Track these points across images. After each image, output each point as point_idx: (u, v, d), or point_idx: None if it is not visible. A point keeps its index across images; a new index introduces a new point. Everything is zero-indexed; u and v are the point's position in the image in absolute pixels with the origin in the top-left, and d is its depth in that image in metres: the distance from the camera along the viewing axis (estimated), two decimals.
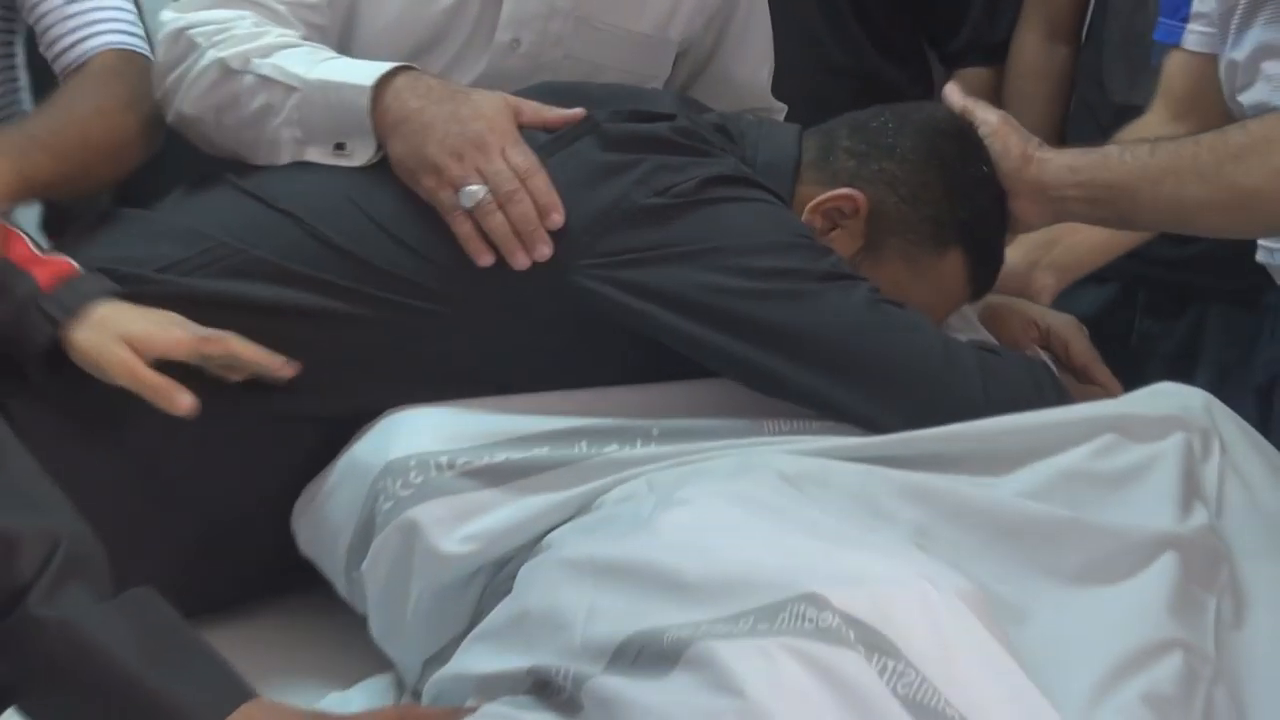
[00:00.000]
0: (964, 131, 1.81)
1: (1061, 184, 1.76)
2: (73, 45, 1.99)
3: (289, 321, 1.66)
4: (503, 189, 1.66)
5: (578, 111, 1.74)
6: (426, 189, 1.68)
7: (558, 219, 1.66)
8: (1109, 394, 1.72)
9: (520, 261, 1.65)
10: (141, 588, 1.36)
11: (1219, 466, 1.56)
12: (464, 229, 1.67)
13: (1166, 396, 1.63)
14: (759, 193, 1.72)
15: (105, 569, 1.36)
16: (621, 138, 1.72)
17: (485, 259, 1.66)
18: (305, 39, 1.86)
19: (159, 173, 1.89)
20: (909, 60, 2.59)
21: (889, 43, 2.56)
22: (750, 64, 2.17)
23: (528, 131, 1.73)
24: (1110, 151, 1.77)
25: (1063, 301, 2.07)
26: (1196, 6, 1.95)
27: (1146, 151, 1.72)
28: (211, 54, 1.78)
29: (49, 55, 2.03)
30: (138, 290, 1.64)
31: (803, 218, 1.75)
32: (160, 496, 1.66)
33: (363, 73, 1.73)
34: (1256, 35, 1.78)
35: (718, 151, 1.74)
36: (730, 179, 1.71)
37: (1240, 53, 1.81)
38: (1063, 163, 1.76)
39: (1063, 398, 1.68)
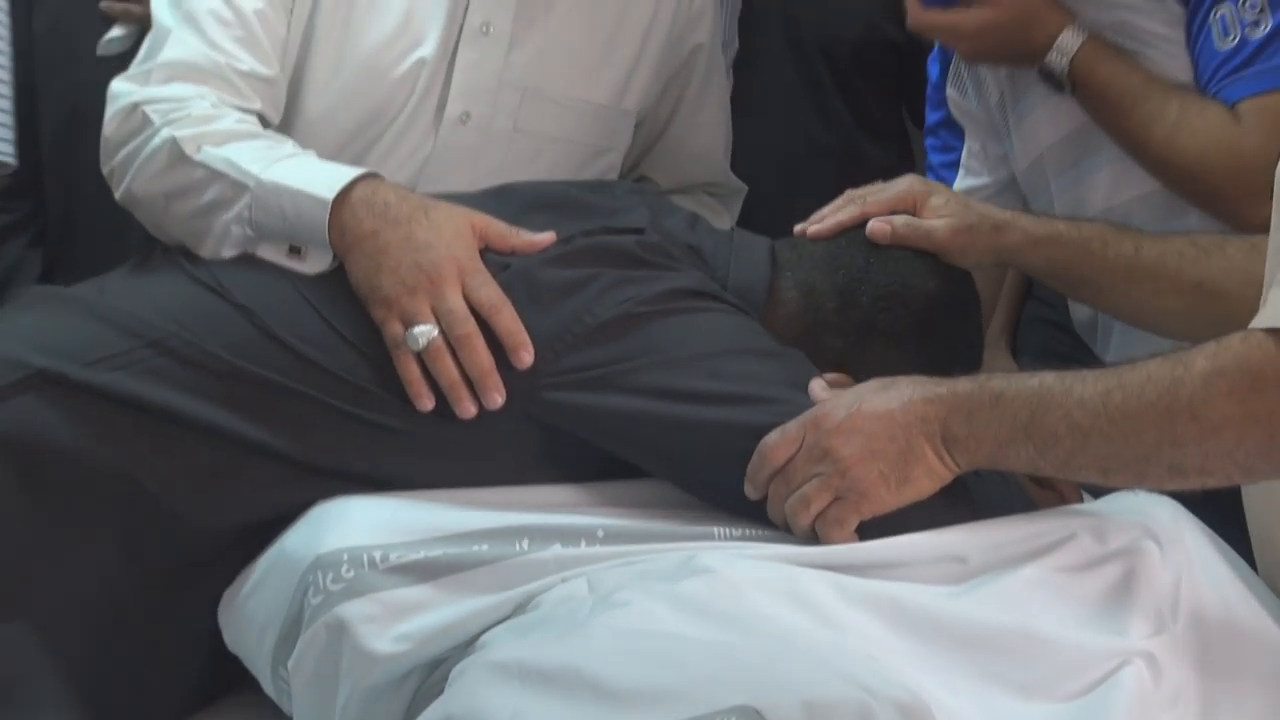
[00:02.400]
0: (956, 300, 1.77)
1: (1032, 267, 1.78)
2: None
3: (218, 445, 1.59)
4: (455, 331, 1.60)
5: (547, 237, 1.68)
6: (376, 318, 1.63)
7: (527, 358, 1.60)
8: (1066, 500, 1.67)
9: (467, 410, 1.60)
10: None
11: (1182, 577, 1.51)
12: (409, 371, 1.61)
13: (1131, 502, 1.58)
14: (725, 306, 1.68)
15: None
16: (583, 251, 1.67)
17: (425, 404, 1.60)
18: (262, 113, 1.82)
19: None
20: (891, 137, 2.56)
21: (872, 119, 2.53)
22: (706, 137, 2.15)
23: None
24: (1092, 244, 1.74)
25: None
26: (956, 188, 2.09)
27: (1131, 249, 1.71)
28: (166, 132, 1.74)
29: None
30: (52, 394, 1.58)
31: None
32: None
33: (321, 181, 1.68)
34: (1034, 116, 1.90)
35: (684, 267, 1.70)
36: (695, 292, 1.67)
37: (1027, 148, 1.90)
38: (1039, 255, 1.75)
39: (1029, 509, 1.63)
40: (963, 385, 1.50)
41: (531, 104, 1.94)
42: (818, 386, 1.61)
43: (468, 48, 1.91)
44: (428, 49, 1.90)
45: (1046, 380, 1.46)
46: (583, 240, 1.68)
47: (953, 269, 1.78)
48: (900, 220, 1.77)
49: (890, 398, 1.52)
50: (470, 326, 1.60)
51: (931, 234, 1.76)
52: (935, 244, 1.76)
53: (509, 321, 1.61)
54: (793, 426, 1.54)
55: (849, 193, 1.81)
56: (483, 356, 1.60)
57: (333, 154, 1.82)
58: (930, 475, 1.50)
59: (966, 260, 1.78)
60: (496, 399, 1.60)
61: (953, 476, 1.51)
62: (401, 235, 1.64)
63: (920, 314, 1.75)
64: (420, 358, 1.60)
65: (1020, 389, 1.46)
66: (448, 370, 1.60)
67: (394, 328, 1.61)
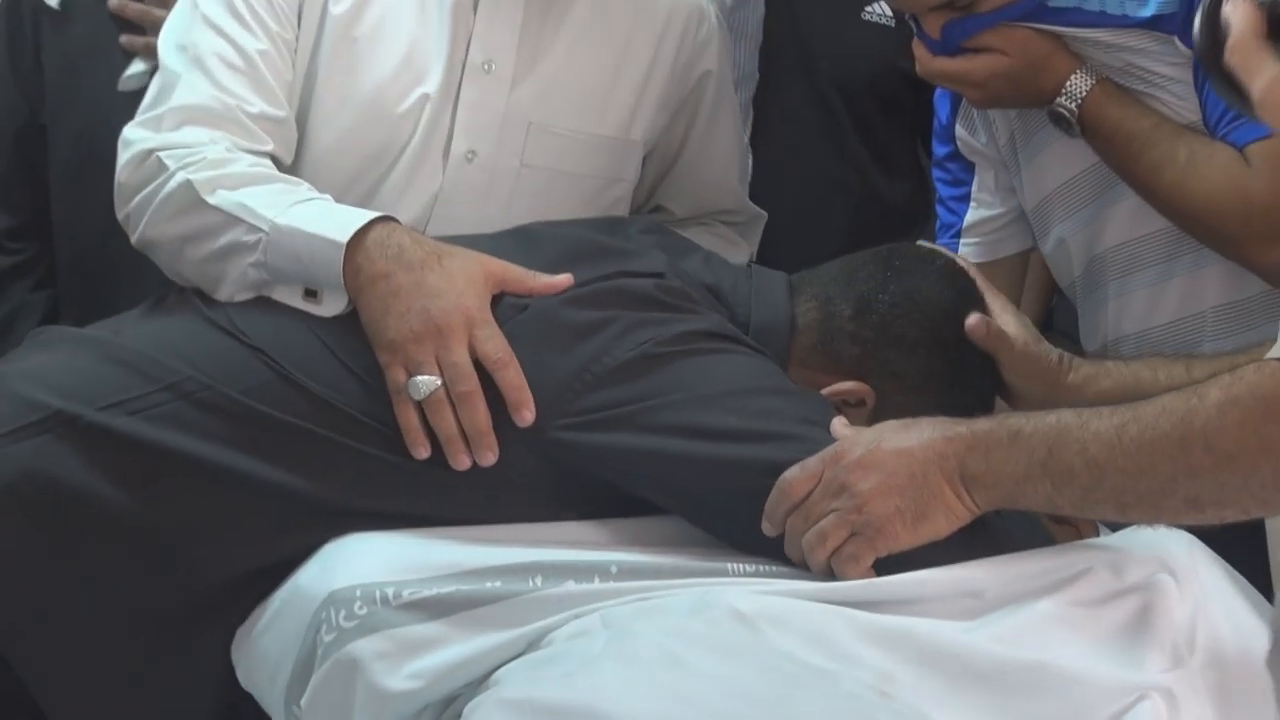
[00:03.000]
0: (964, 313, 1.77)
1: (1083, 405, 1.71)
2: None
3: (234, 489, 1.59)
4: (457, 387, 1.60)
5: (565, 279, 1.67)
6: (381, 361, 1.63)
7: (529, 416, 1.59)
8: (1083, 536, 1.66)
9: (461, 463, 1.59)
10: None
11: (1198, 612, 1.50)
12: (408, 419, 1.60)
13: (1147, 537, 1.57)
14: (744, 348, 1.68)
15: None
16: (602, 293, 1.66)
17: (421, 453, 1.60)
18: (274, 154, 1.82)
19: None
20: (906, 172, 2.55)
21: (887, 154, 2.53)
22: (719, 164, 2.14)
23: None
24: (1142, 374, 1.74)
25: None
26: (968, 219, 2.10)
27: (1183, 371, 1.70)
28: (181, 175, 1.74)
29: None
30: (68, 435, 1.58)
31: None
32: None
33: (336, 225, 1.68)
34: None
35: (703, 310, 1.69)
36: (714, 334, 1.67)
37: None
38: (1089, 391, 1.75)
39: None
40: (981, 424, 1.50)
41: (537, 139, 1.93)
42: (839, 423, 1.60)
43: (470, 86, 1.91)
44: (430, 86, 1.89)
45: (1064, 416, 1.45)
46: (601, 284, 1.67)
47: (966, 281, 1.80)
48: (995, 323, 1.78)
49: (910, 436, 1.51)
50: (472, 384, 1.60)
51: (1000, 349, 1.77)
52: (1003, 358, 1.77)
53: (514, 378, 1.60)
54: (812, 462, 1.53)
55: None
56: (481, 416, 1.59)
57: (339, 191, 1.82)
58: (948, 514, 1.50)
59: (1021, 385, 1.78)
60: (490, 458, 1.59)
61: (970, 517, 1.50)
62: (414, 280, 1.63)
63: (936, 322, 1.75)
64: (420, 406, 1.60)
65: (1038, 425, 1.46)
66: (447, 423, 1.59)
67: (397, 374, 1.61)
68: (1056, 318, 2.39)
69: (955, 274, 1.80)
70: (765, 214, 2.22)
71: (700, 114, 2.09)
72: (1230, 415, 1.35)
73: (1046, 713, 1.41)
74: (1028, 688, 1.42)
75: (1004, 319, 1.79)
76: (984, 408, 1.77)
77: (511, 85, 1.93)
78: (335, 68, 1.89)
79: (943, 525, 1.50)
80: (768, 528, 1.55)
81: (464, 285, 1.64)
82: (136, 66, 2.23)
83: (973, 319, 1.75)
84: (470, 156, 1.91)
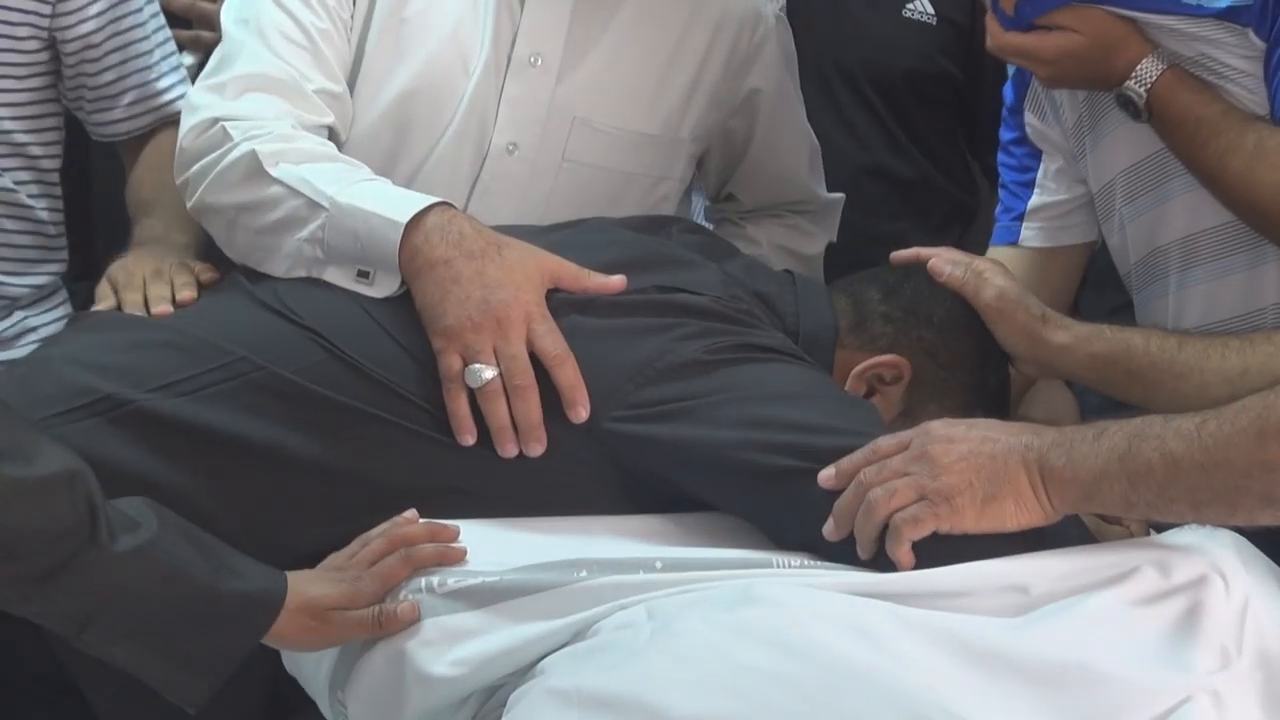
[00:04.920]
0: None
1: (1075, 366, 1.79)
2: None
3: (286, 469, 1.60)
4: (513, 380, 1.60)
5: (618, 280, 1.68)
6: (435, 347, 1.63)
7: (582, 413, 1.60)
8: (1132, 535, 1.65)
9: (508, 451, 1.60)
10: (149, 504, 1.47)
11: (1247, 612, 1.49)
12: (459, 405, 1.60)
13: (1195, 536, 1.56)
14: (803, 363, 1.69)
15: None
16: (666, 304, 1.67)
17: (467, 439, 1.60)
18: (333, 127, 1.82)
19: None
20: (953, 167, 2.55)
21: (933, 149, 2.52)
22: (788, 159, 2.14)
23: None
24: (1134, 339, 1.77)
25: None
26: (1032, 203, 2.10)
27: (1174, 345, 1.74)
28: (246, 145, 1.75)
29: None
30: (118, 419, 1.58)
31: (846, 385, 1.73)
32: None
33: (396, 205, 1.68)
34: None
35: (762, 324, 1.71)
36: (774, 348, 1.68)
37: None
38: (1080, 352, 1.78)
39: None
40: (1071, 426, 1.51)
41: (580, 134, 1.93)
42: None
43: (515, 79, 1.91)
44: (474, 74, 1.90)
45: (1151, 417, 1.45)
46: (662, 295, 1.68)
47: None
48: (960, 267, 1.81)
49: (999, 427, 1.53)
50: (529, 378, 1.60)
51: (979, 291, 1.80)
52: (979, 301, 1.80)
53: (571, 375, 1.61)
54: (905, 433, 1.54)
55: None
56: (535, 410, 1.60)
57: (377, 173, 1.82)
58: (1018, 502, 1.49)
59: (1001, 333, 1.80)
60: (537, 449, 1.60)
61: (1041, 517, 1.49)
62: (474, 269, 1.64)
63: (958, 304, 1.80)
64: (473, 393, 1.60)
65: (1123, 424, 1.46)
66: (500, 414, 1.60)
67: (452, 360, 1.61)
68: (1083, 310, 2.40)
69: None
70: (841, 197, 2.22)
71: (761, 109, 2.08)
72: None
73: (1091, 712, 1.40)
74: (1073, 686, 1.41)
75: (989, 272, 1.82)
76: (1009, 389, 1.83)
77: (557, 79, 1.93)
78: (382, 47, 1.90)
79: (1010, 512, 1.49)
80: (829, 477, 1.54)
81: (522, 279, 1.64)
82: (185, 59, 2.24)
83: (933, 260, 1.79)
84: (511, 149, 1.91)
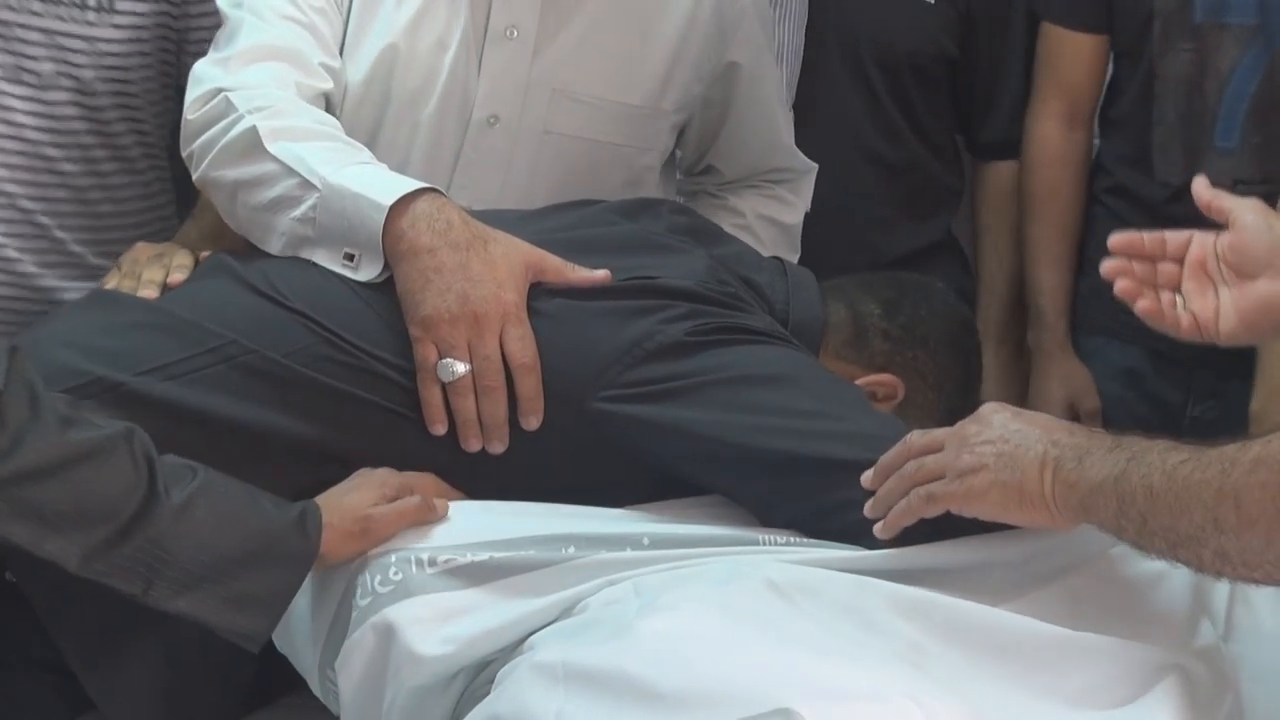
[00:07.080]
0: (972, 327, 1.91)
1: None
2: None
3: (276, 452, 1.61)
4: (484, 380, 1.61)
5: (603, 274, 1.69)
6: (411, 334, 1.63)
7: (534, 423, 1.61)
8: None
9: (472, 446, 1.62)
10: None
11: (1234, 589, 1.50)
12: (431, 395, 1.62)
13: None
14: (793, 346, 1.71)
15: None
16: (652, 288, 1.68)
17: (439, 429, 1.62)
18: (330, 95, 1.84)
19: None
20: (943, 150, 2.55)
21: (926, 132, 2.53)
22: (765, 129, 2.14)
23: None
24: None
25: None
26: None
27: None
28: (248, 120, 1.75)
29: None
30: (108, 402, 1.58)
31: None
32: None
33: (384, 188, 1.69)
34: None
35: (751, 309, 1.72)
36: (761, 331, 1.69)
37: None
38: None
39: None
40: (1099, 434, 1.46)
41: (560, 106, 1.93)
42: None
43: (493, 51, 1.91)
44: (451, 47, 1.90)
45: (1159, 442, 1.37)
46: (648, 281, 1.69)
47: (966, 304, 1.92)
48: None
49: (1043, 419, 1.50)
50: (500, 380, 1.61)
51: (1239, 211, 1.57)
52: (1233, 219, 1.56)
53: (533, 386, 1.62)
54: (940, 430, 1.53)
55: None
56: (501, 410, 1.61)
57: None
58: (1026, 496, 1.44)
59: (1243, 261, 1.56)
60: (499, 448, 1.62)
61: (1045, 516, 1.45)
62: (458, 260, 1.64)
63: (954, 329, 1.85)
64: (444, 386, 1.61)
65: (1136, 445, 1.38)
66: (467, 409, 1.61)
67: (427, 350, 1.62)
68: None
69: (958, 294, 1.90)
70: (816, 165, 2.22)
71: (739, 79, 2.08)
72: (1256, 476, 1.26)
73: (1080, 686, 1.41)
74: (1061, 660, 1.42)
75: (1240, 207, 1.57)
76: None
77: (534, 51, 1.92)
78: (361, 20, 1.91)
79: (1015, 502, 1.45)
80: (868, 479, 1.54)
81: (505, 276, 1.64)
82: None
83: (1197, 182, 1.59)
84: (493, 121, 1.91)
